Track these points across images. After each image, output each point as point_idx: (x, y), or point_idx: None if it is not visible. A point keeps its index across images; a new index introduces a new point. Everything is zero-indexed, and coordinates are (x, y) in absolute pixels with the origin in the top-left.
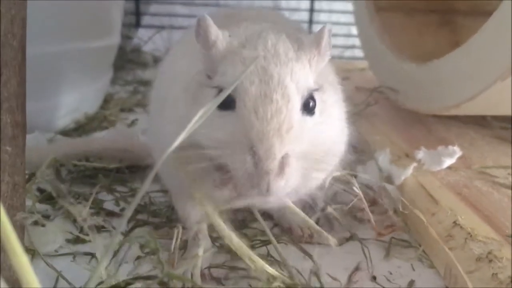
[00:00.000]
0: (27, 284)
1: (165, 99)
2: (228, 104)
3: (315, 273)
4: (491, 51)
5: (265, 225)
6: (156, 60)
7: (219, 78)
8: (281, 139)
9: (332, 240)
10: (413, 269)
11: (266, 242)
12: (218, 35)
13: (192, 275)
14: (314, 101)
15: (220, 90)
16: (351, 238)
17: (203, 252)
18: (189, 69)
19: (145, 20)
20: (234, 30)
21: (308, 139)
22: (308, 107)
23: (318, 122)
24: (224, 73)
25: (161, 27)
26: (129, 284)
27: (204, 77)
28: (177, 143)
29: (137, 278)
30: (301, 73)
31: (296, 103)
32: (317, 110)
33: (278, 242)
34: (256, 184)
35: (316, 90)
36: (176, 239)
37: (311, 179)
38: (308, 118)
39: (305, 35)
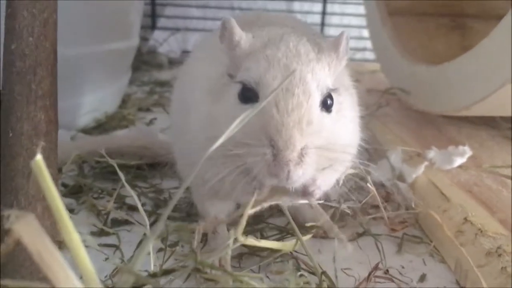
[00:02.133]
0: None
1: (189, 101)
2: (250, 98)
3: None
4: (500, 55)
5: (294, 224)
6: (171, 62)
7: (243, 73)
8: (301, 131)
9: (343, 236)
10: (425, 264)
11: (284, 236)
12: (242, 36)
13: (221, 263)
14: (332, 100)
15: (244, 85)
16: (364, 233)
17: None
18: (210, 72)
19: (161, 22)
20: (257, 33)
21: (326, 135)
22: (326, 105)
23: (334, 120)
24: (247, 69)
25: (176, 29)
26: (167, 272)
27: (226, 78)
28: (216, 146)
29: (173, 269)
30: (321, 73)
31: (316, 99)
32: (333, 109)
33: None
34: (275, 174)
35: (334, 91)
36: (198, 233)
37: (331, 173)
38: (326, 115)
39: (324, 40)
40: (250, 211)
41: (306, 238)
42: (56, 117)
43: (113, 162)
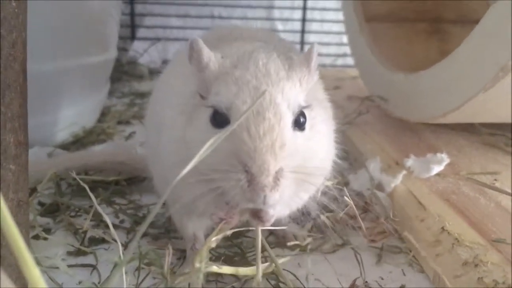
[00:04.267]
0: None
1: (161, 120)
2: (222, 122)
3: None
4: (475, 62)
5: (269, 249)
6: (152, 72)
7: (213, 98)
8: (274, 156)
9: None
10: (404, 274)
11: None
12: (211, 57)
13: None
14: (305, 117)
15: (215, 109)
16: (344, 245)
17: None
18: (183, 90)
19: (140, 32)
20: (226, 51)
21: (300, 155)
22: (299, 123)
23: (308, 137)
24: (217, 93)
25: (156, 39)
26: None
27: (198, 98)
28: (187, 170)
29: None
30: (292, 92)
31: (288, 120)
32: (307, 126)
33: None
34: (251, 199)
35: (306, 107)
36: (169, 256)
37: (303, 193)
38: (299, 134)
39: (296, 54)
40: (218, 237)
41: (282, 260)
42: (26, 139)
43: (89, 181)
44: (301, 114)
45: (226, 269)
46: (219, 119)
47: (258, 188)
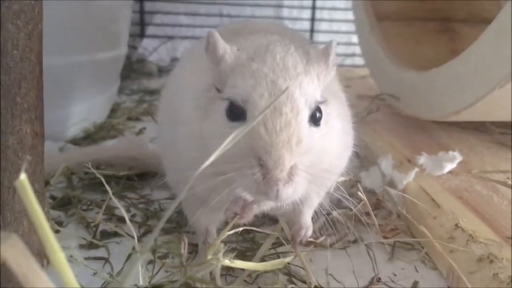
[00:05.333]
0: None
1: (176, 115)
2: (238, 116)
3: None
4: (489, 59)
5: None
6: (161, 70)
7: (230, 90)
8: (290, 151)
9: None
10: (417, 271)
11: (275, 245)
12: (226, 49)
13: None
14: (321, 113)
15: (231, 102)
16: (356, 241)
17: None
18: (198, 84)
19: (150, 30)
20: (241, 44)
21: (316, 151)
22: (315, 119)
23: (323, 133)
24: (234, 85)
25: (165, 37)
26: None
27: (213, 91)
28: (205, 165)
29: (163, 284)
30: (310, 87)
31: (305, 116)
32: (322, 121)
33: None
34: (264, 192)
35: (323, 103)
36: (184, 248)
37: (317, 189)
38: (315, 130)
39: (312, 47)
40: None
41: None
42: (42, 130)
43: (101, 175)
44: (318, 109)
45: (241, 264)
46: (235, 112)
47: (272, 182)
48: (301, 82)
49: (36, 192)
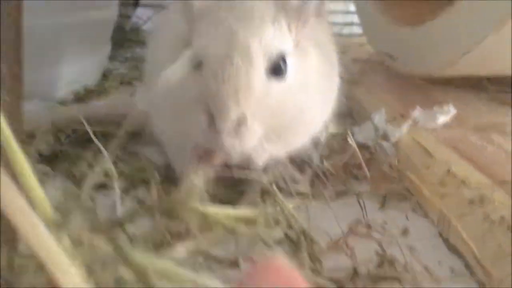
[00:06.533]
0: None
1: (155, 59)
2: (198, 65)
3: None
4: (484, 4)
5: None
6: None
7: (194, 39)
8: (237, 101)
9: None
10: (407, 219)
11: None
12: None
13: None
14: (286, 65)
15: (193, 51)
16: (346, 192)
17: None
18: (179, 24)
19: None
20: None
21: (274, 105)
22: (278, 71)
23: (287, 87)
24: (198, 34)
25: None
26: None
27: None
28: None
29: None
30: (274, 35)
31: (259, 66)
32: (289, 75)
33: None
34: (209, 141)
35: (292, 54)
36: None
37: (285, 144)
38: (275, 83)
39: None
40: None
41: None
42: (21, 73)
43: (89, 130)
44: (283, 61)
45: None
46: (197, 61)
47: (215, 131)
48: (264, 30)
49: (14, 131)
